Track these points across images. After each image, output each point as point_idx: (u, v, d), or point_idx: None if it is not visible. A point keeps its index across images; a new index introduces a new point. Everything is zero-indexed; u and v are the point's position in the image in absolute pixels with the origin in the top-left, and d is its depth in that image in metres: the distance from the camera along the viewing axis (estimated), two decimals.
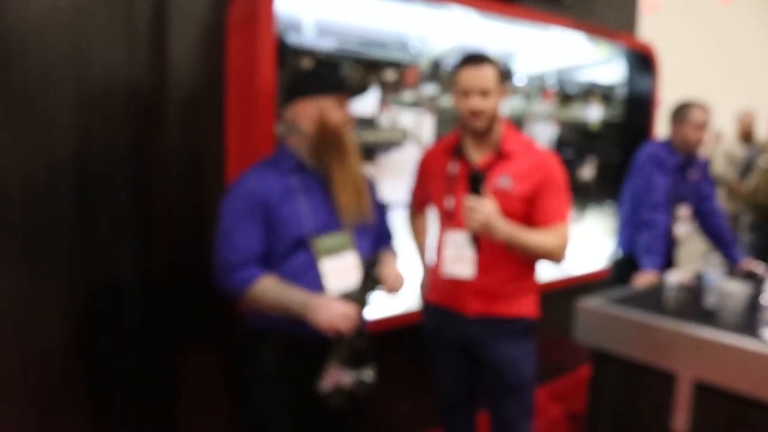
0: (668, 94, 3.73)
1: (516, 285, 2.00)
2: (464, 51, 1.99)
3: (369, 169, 2.43)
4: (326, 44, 2.29)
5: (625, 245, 3.02)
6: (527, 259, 1.99)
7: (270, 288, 1.64)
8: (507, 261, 1.96)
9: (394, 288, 1.74)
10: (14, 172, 1.79)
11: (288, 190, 1.70)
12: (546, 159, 2.00)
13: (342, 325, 1.58)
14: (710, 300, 2.09)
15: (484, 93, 1.90)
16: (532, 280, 2.06)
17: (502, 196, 1.92)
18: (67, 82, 1.86)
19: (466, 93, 1.92)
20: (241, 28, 2.05)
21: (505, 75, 1.97)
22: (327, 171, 1.72)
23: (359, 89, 1.79)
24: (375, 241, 1.86)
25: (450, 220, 1.98)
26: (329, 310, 1.58)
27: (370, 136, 2.49)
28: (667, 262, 2.74)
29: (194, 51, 2.07)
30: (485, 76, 1.89)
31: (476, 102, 1.90)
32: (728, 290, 1.98)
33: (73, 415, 1.96)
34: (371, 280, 1.70)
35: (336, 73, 1.77)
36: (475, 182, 1.82)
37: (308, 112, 1.71)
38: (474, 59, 1.92)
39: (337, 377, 1.62)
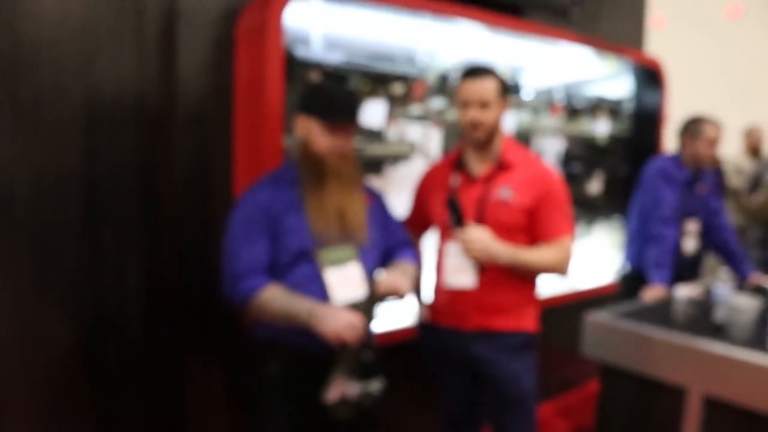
0: (675, 108, 3.72)
1: (516, 298, 2.00)
2: (468, 64, 2.00)
3: (376, 182, 2.43)
4: (334, 57, 2.31)
5: (633, 260, 3.00)
6: (529, 273, 2.00)
7: (275, 296, 1.64)
8: (508, 274, 1.95)
9: (387, 292, 1.71)
10: (23, 182, 1.81)
11: (292, 202, 1.71)
12: (546, 172, 2.01)
13: (347, 334, 1.57)
14: (720, 314, 2.07)
15: (483, 105, 1.91)
16: (532, 294, 2.05)
17: (503, 207, 1.93)
18: (77, 94, 1.88)
19: (465, 104, 1.93)
20: (249, 41, 2.07)
21: (507, 89, 1.98)
22: (304, 193, 1.72)
23: (355, 117, 1.75)
24: (383, 255, 1.86)
25: (451, 231, 1.97)
26: (335, 319, 1.58)
27: (377, 150, 2.50)
28: (676, 276, 2.72)
29: (203, 63, 2.09)
30: (485, 88, 1.90)
31: (475, 113, 1.91)
32: (738, 305, 1.96)
33: (78, 425, 1.96)
34: (377, 292, 1.70)
35: (336, 98, 1.73)
36: (453, 207, 1.87)
37: (299, 128, 1.74)
38: (475, 71, 1.93)
39: (342, 388, 1.61)
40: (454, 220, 1.89)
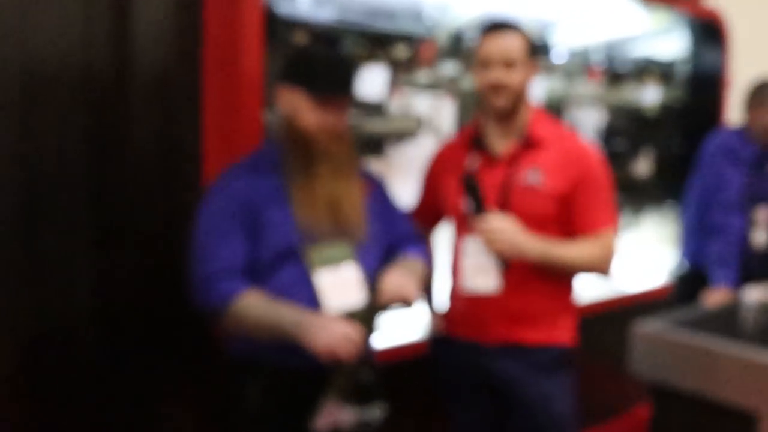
0: (741, 72, 3.70)
1: (549, 305, 2.01)
2: (488, 19, 2.02)
3: (376, 166, 2.43)
4: (324, 15, 2.32)
5: (691, 256, 3.04)
6: (563, 273, 2.02)
7: (256, 304, 1.64)
8: (538, 275, 1.96)
9: (392, 299, 1.71)
10: None
11: (275, 190, 1.74)
12: (584, 150, 2.02)
13: (342, 349, 1.56)
14: None
15: (507, 64, 1.91)
16: (568, 299, 2.07)
17: (530, 194, 1.94)
18: (12, 65, 1.87)
19: (486, 64, 1.94)
20: None
21: (535, 49, 2.01)
22: (289, 180, 1.74)
23: (349, 87, 1.77)
24: (385, 252, 1.86)
25: (468, 224, 1.97)
26: (327, 331, 1.57)
27: (377, 126, 2.51)
28: (745, 276, 2.72)
29: (164, 23, 2.09)
30: (510, 45, 1.92)
31: (498, 74, 1.91)
32: None
33: None
34: (379, 300, 1.71)
35: (325, 66, 1.75)
36: (471, 189, 1.87)
37: (283, 102, 1.76)
38: (497, 26, 1.95)
39: (335, 415, 1.61)
40: (473, 205, 1.89)
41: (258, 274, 1.70)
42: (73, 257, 2.01)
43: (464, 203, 1.95)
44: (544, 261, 1.90)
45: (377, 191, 1.90)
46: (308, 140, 1.71)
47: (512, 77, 1.91)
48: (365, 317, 1.67)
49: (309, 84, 1.70)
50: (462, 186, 1.92)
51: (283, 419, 1.70)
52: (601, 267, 1.99)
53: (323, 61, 1.78)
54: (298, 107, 1.71)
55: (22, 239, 1.92)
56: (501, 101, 1.93)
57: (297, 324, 1.60)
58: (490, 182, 1.96)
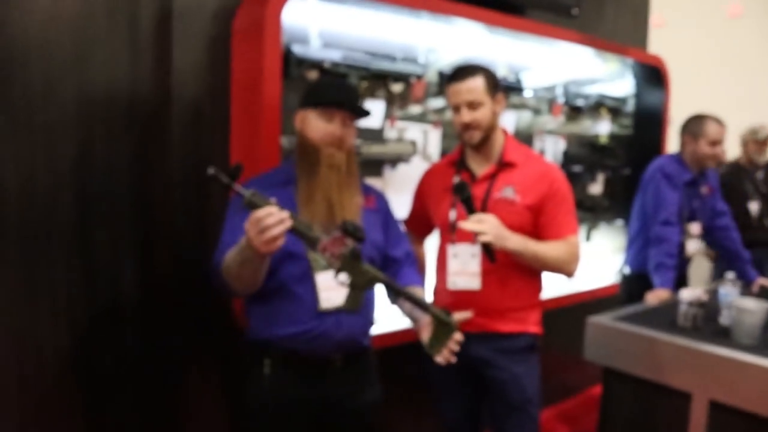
0: (677, 108, 3.71)
1: (520, 300, 1.99)
2: (456, 65, 1.98)
3: (376, 183, 2.41)
4: (333, 56, 2.29)
5: (633, 262, 2.99)
6: (533, 274, 1.99)
7: (229, 254, 1.56)
8: (513, 276, 1.95)
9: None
10: (14, 184, 1.79)
11: (286, 200, 1.67)
12: (549, 170, 2.00)
13: (271, 234, 1.40)
14: (725, 317, 2.06)
15: (472, 105, 1.90)
16: (535, 296, 2.05)
17: (506, 207, 1.92)
18: (69, 93, 1.86)
19: (455, 108, 1.93)
20: (246, 39, 2.05)
21: (499, 84, 1.96)
22: (297, 189, 1.69)
23: (360, 109, 1.73)
24: (378, 256, 1.81)
25: (453, 233, 1.96)
26: (249, 226, 1.42)
27: (377, 150, 2.48)
28: (680, 279, 2.70)
29: (198, 61, 2.07)
30: (472, 88, 1.89)
31: (466, 116, 1.90)
32: (744, 307, 1.96)
33: None
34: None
35: (331, 86, 1.74)
36: (461, 191, 1.82)
37: (297, 122, 1.75)
38: (460, 73, 1.92)
39: (327, 245, 1.47)
40: (464, 204, 1.84)
41: (268, 270, 1.64)
42: (121, 255, 2.00)
43: (453, 211, 1.92)
44: (522, 253, 1.86)
45: (379, 203, 1.86)
46: (314, 148, 1.68)
47: (479, 115, 1.90)
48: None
49: (315, 101, 1.70)
50: (454, 191, 1.87)
51: (291, 390, 1.68)
52: (568, 266, 1.94)
53: (327, 83, 1.78)
54: (308, 122, 1.70)
55: (78, 240, 1.91)
56: (473, 137, 1.92)
57: (247, 246, 1.46)
58: (474, 195, 1.92)
